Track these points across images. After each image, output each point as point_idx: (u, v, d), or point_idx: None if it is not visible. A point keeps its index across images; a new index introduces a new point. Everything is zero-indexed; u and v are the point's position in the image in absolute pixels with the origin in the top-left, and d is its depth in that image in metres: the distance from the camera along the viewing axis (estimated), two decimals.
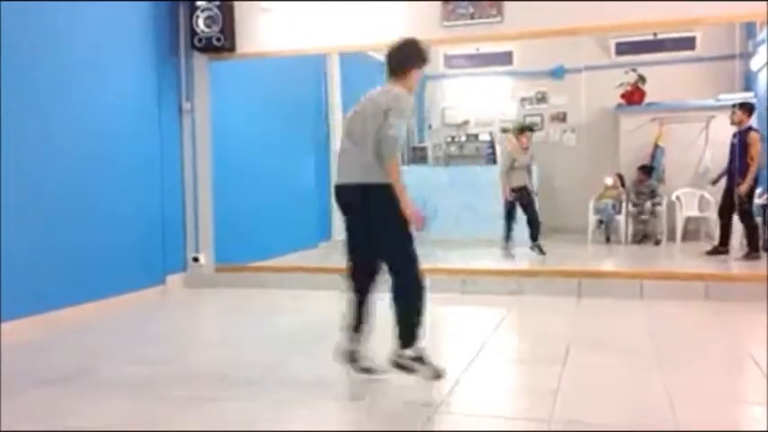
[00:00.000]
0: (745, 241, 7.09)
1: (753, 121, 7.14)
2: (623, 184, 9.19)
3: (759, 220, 7.66)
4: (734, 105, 7.22)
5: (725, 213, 7.25)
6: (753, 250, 6.91)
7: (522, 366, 3.98)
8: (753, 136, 6.91)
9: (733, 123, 7.15)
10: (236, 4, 6.34)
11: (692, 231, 8.54)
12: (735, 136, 7.13)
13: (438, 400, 3.14)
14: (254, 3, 6.35)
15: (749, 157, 6.86)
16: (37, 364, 3.96)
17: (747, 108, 7.09)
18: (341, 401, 3.31)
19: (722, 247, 7.18)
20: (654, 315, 4.98)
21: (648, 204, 8.77)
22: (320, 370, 3.62)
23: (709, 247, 7.43)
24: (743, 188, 6.86)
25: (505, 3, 5.79)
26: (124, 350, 4.29)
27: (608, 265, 7.69)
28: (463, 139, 10.85)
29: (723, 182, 7.38)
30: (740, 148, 6.97)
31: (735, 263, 6.94)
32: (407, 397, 3.21)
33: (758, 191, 8.02)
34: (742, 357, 3.88)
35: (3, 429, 2.92)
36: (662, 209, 8.73)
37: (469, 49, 10.51)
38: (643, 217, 8.81)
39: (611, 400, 3.13)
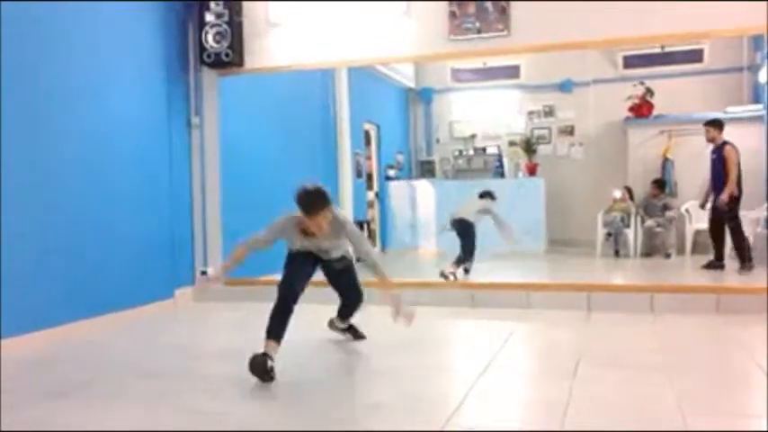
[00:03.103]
0: (734, 253, 7.23)
1: (726, 136, 7.30)
2: (632, 197, 9.17)
3: (765, 232, 7.68)
4: (705, 124, 7.44)
5: (714, 229, 7.39)
6: (745, 261, 7.03)
7: (532, 380, 3.95)
8: (727, 149, 7.16)
9: (708, 141, 7.38)
10: (244, 19, 6.39)
11: (701, 244, 8.49)
12: (713, 153, 7.34)
13: (448, 413, 3.12)
14: (262, 18, 6.40)
15: (726, 170, 7.08)
16: (45, 378, 3.96)
17: (717, 124, 7.35)
18: (350, 414, 3.29)
19: (717, 262, 7.32)
20: (665, 329, 4.94)
21: (663, 214, 8.75)
22: (327, 384, 3.61)
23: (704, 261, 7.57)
24: (723, 197, 7.04)
25: (512, 17, 5.82)
26: (132, 363, 4.29)
27: (618, 279, 7.64)
28: (471, 152, 10.87)
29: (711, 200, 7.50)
30: (719, 163, 7.20)
31: (738, 277, 6.89)
32: (419, 412, 3.19)
33: (765, 206, 7.99)
34: (754, 371, 3.84)
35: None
36: (674, 221, 8.70)
37: (477, 62, 10.55)
38: (658, 229, 8.77)
39: (621, 414, 3.10)
